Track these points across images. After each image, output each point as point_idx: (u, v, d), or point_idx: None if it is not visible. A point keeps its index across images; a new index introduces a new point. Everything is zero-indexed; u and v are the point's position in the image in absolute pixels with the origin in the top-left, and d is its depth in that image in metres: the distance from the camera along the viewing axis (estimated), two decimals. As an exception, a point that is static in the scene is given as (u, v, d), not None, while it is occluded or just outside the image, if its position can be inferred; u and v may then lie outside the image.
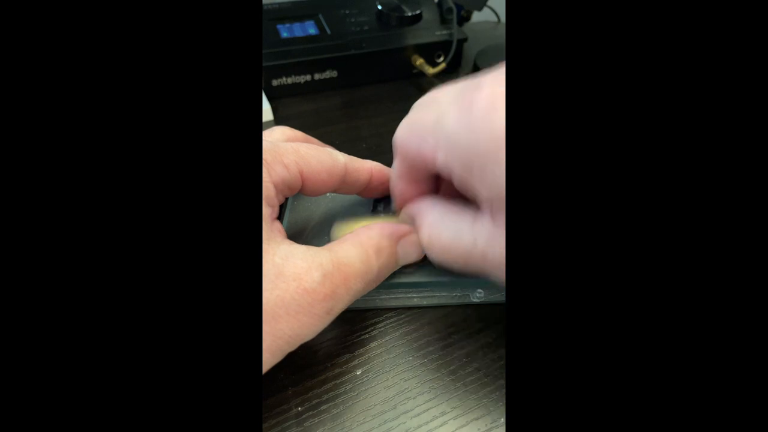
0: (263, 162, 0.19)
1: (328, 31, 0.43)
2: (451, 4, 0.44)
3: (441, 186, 0.23)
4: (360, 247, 0.20)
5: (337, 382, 0.21)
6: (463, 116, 0.17)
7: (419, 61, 0.43)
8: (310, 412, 0.20)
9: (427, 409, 0.20)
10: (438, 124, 0.18)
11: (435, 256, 0.21)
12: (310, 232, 0.25)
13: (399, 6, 0.44)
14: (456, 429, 0.19)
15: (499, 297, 0.24)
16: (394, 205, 0.24)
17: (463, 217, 0.19)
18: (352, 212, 0.26)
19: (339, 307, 0.19)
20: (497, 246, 0.18)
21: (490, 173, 0.16)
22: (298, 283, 0.17)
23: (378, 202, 0.27)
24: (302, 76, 0.42)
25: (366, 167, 0.24)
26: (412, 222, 0.22)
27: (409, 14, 0.44)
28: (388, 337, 0.23)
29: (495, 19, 0.58)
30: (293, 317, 0.17)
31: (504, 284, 0.19)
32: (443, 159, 0.18)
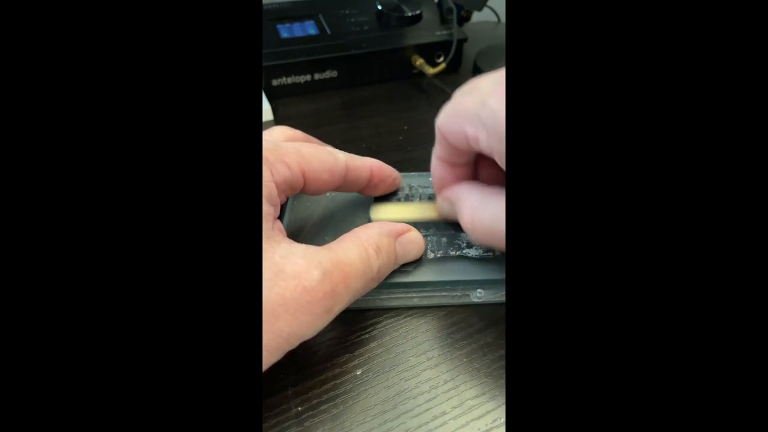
0: (265, 161, 0.20)
1: (328, 31, 0.43)
2: (451, 4, 0.44)
3: (480, 171, 0.24)
4: (360, 246, 0.20)
5: (337, 382, 0.21)
6: (504, 100, 0.18)
7: (419, 61, 0.43)
8: (310, 412, 0.20)
9: (427, 409, 0.20)
10: (481, 106, 0.19)
11: (478, 237, 0.22)
12: (309, 231, 0.25)
13: (399, 6, 0.44)
14: (456, 429, 0.19)
15: (499, 297, 0.24)
16: (434, 189, 0.24)
17: (502, 199, 0.20)
18: (352, 211, 0.26)
19: (339, 306, 0.19)
20: None
21: None
22: (298, 281, 0.17)
23: (379, 200, 0.27)
24: (302, 76, 0.42)
25: (366, 165, 0.24)
26: (451, 206, 0.23)
27: (409, 14, 0.44)
28: (388, 337, 0.23)
29: (495, 19, 0.58)
30: (293, 316, 0.17)
31: None
32: (486, 140, 0.19)
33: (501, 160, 0.19)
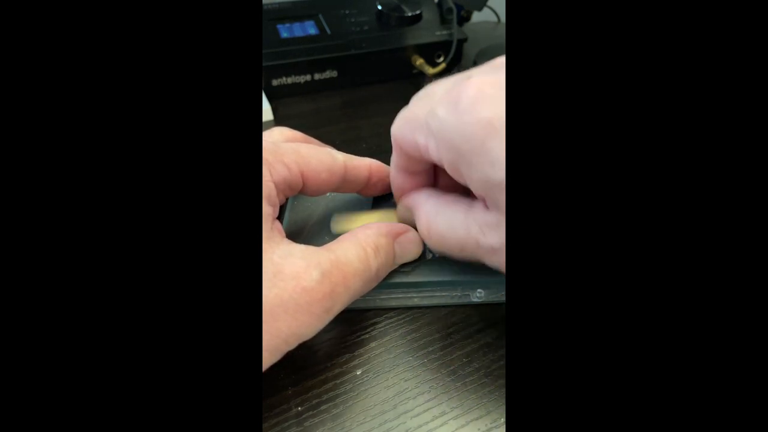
0: (265, 162, 0.20)
1: (328, 31, 0.43)
2: (451, 4, 0.44)
3: (438, 178, 0.23)
4: (358, 246, 0.20)
5: (337, 382, 0.21)
6: (452, 107, 0.17)
7: (419, 61, 0.43)
8: (310, 412, 0.20)
9: (427, 409, 0.20)
10: (429, 115, 0.19)
11: (433, 244, 0.22)
12: (309, 232, 0.25)
13: (399, 6, 0.44)
14: (456, 429, 0.19)
15: (499, 297, 0.24)
16: (394, 197, 0.24)
17: (458, 206, 0.20)
18: (352, 211, 0.26)
19: (338, 306, 0.19)
20: (489, 234, 0.19)
21: (478, 162, 0.17)
22: (297, 281, 0.17)
23: (378, 200, 0.27)
24: (302, 76, 0.42)
25: (365, 165, 0.24)
26: (410, 213, 0.23)
27: (409, 14, 0.44)
28: (388, 337, 0.23)
29: (495, 19, 0.58)
30: (292, 316, 0.17)
31: (498, 270, 0.20)
32: (435, 149, 0.19)
33: (452, 170, 0.19)
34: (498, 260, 0.19)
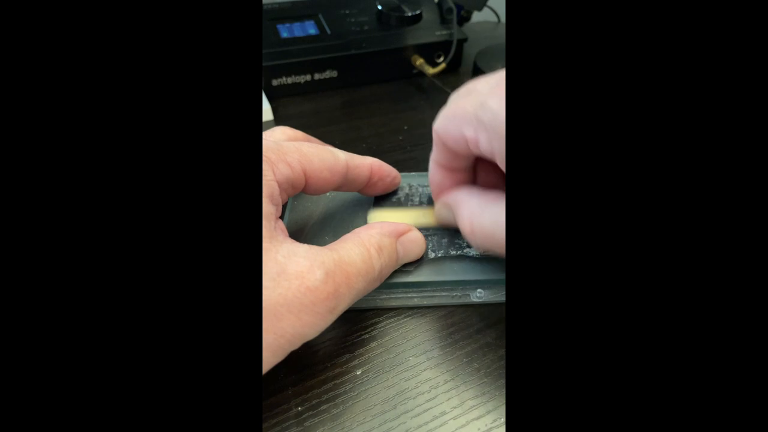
0: (267, 161, 0.20)
1: (328, 31, 0.43)
2: (451, 4, 0.44)
3: (478, 176, 0.23)
4: (362, 246, 0.20)
5: (337, 382, 0.21)
6: (504, 100, 0.18)
7: (419, 61, 0.43)
8: (310, 412, 0.20)
9: (427, 409, 0.20)
10: (480, 108, 0.19)
11: (478, 242, 0.22)
12: (310, 231, 0.25)
13: (399, 6, 0.44)
14: (456, 429, 0.19)
15: (499, 297, 0.24)
16: (432, 195, 0.24)
17: (501, 204, 0.20)
18: (352, 211, 0.26)
19: (341, 306, 0.19)
20: None
21: None
22: (301, 281, 0.17)
23: (379, 199, 0.27)
24: (302, 76, 0.42)
25: (366, 163, 0.24)
26: (450, 212, 0.23)
27: (409, 14, 0.44)
28: (388, 337, 0.23)
29: (495, 19, 0.58)
30: (296, 316, 0.17)
31: None
32: (486, 142, 0.19)
33: (502, 162, 0.19)
34: None
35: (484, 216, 0.21)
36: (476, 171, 0.23)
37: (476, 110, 0.19)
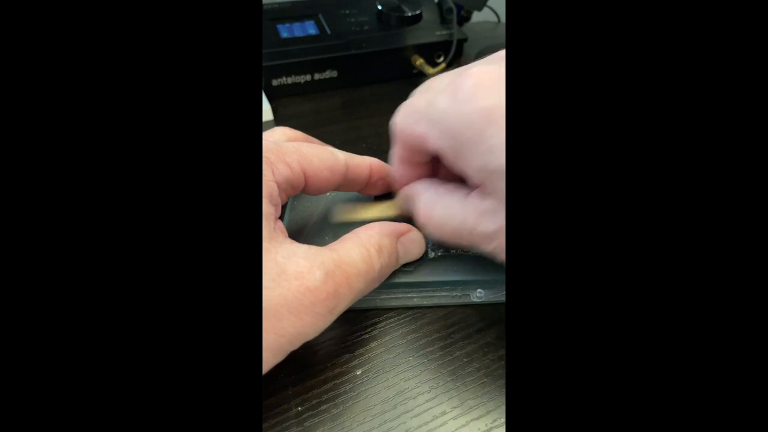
0: (267, 161, 0.20)
1: (328, 31, 0.43)
2: (451, 4, 0.44)
3: (438, 170, 0.24)
4: (361, 246, 0.20)
5: (337, 382, 0.21)
6: (451, 98, 0.18)
7: (419, 61, 0.43)
8: (310, 412, 0.20)
9: (427, 409, 0.20)
10: (429, 106, 0.19)
11: (430, 231, 0.22)
12: (309, 232, 0.25)
13: (399, 6, 0.44)
14: (456, 429, 0.19)
15: (499, 297, 0.24)
16: (393, 187, 0.25)
17: (456, 195, 0.21)
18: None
19: (341, 306, 0.19)
20: (484, 221, 0.19)
21: (476, 151, 0.18)
22: (301, 281, 0.17)
23: (379, 199, 0.27)
24: (302, 76, 0.42)
25: (365, 163, 0.24)
26: (410, 203, 0.23)
27: (409, 14, 0.44)
28: (388, 337, 0.23)
29: (495, 19, 0.58)
30: (296, 316, 0.17)
31: (492, 258, 0.20)
32: (435, 140, 0.19)
33: (452, 160, 0.19)
34: (493, 247, 0.20)
35: (437, 207, 0.21)
36: (437, 164, 0.24)
37: (427, 107, 0.20)
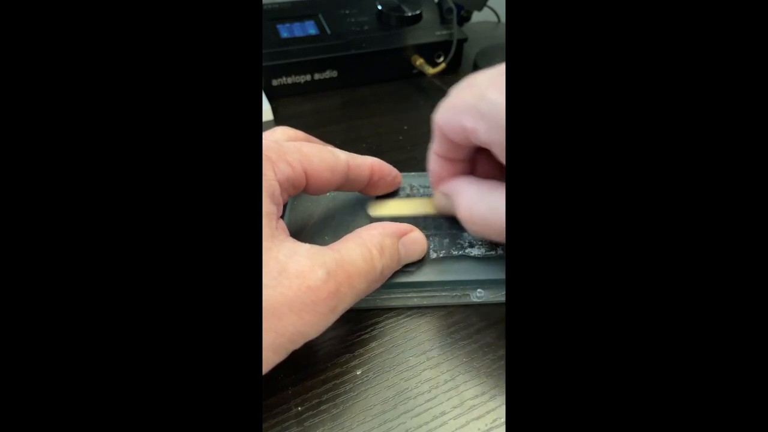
0: (268, 160, 0.20)
1: (328, 31, 0.43)
2: (451, 4, 0.44)
3: (476, 167, 0.24)
4: (363, 246, 0.20)
5: (337, 382, 0.21)
6: (503, 91, 0.18)
7: (419, 61, 0.43)
8: (310, 412, 0.20)
9: (427, 409, 0.20)
10: (480, 99, 0.19)
11: (476, 229, 0.22)
12: (310, 231, 0.25)
13: (399, 6, 0.44)
14: (456, 429, 0.19)
15: (499, 297, 0.24)
16: (431, 184, 0.25)
17: (499, 191, 0.21)
18: (353, 211, 0.26)
19: (343, 305, 0.19)
20: None
21: None
22: (302, 280, 0.17)
23: (380, 200, 0.27)
24: (302, 76, 0.42)
25: (367, 163, 0.24)
26: (448, 200, 0.23)
27: (409, 14, 0.44)
28: (388, 337, 0.23)
29: (495, 19, 0.58)
30: (297, 315, 0.17)
31: None
32: (485, 132, 0.19)
33: (500, 153, 0.19)
34: None
35: (482, 203, 0.21)
36: (474, 162, 0.24)
37: (476, 101, 0.19)
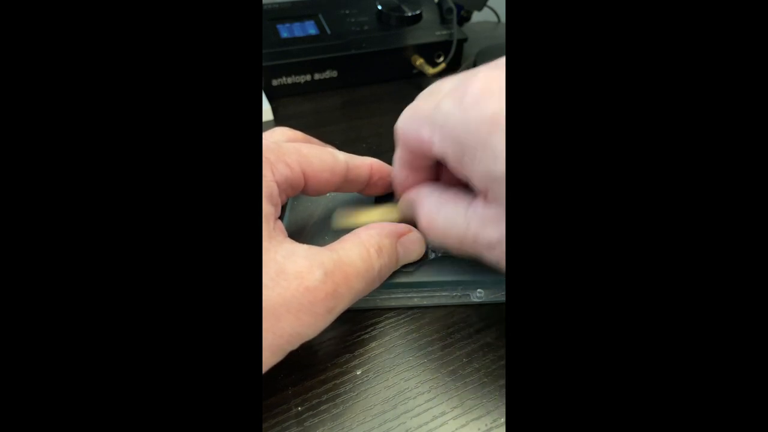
0: (266, 161, 0.20)
1: (328, 31, 0.43)
2: (451, 4, 0.44)
3: (441, 175, 0.23)
4: (361, 247, 0.20)
5: (337, 382, 0.21)
6: (457, 103, 0.18)
7: (419, 61, 0.43)
8: (310, 412, 0.20)
9: (427, 409, 0.20)
10: (434, 111, 0.19)
11: (433, 238, 0.22)
12: (309, 232, 0.25)
13: (399, 6, 0.44)
14: (456, 429, 0.19)
15: (499, 297, 0.24)
16: (395, 191, 0.24)
17: (459, 202, 0.20)
18: (352, 211, 0.26)
19: (340, 306, 0.19)
20: (487, 229, 0.19)
21: (481, 157, 0.17)
22: (300, 281, 0.17)
23: (379, 200, 0.27)
24: (302, 76, 0.42)
25: (366, 164, 0.24)
26: (412, 208, 0.23)
27: (409, 14, 0.44)
28: (388, 337, 0.23)
29: (495, 19, 0.58)
30: (294, 315, 0.17)
31: (496, 267, 0.20)
32: (439, 145, 0.19)
33: (454, 164, 0.19)
34: (495, 255, 0.19)
35: (440, 214, 0.21)
36: (440, 168, 0.23)
37: (432, 111, 0.19)
